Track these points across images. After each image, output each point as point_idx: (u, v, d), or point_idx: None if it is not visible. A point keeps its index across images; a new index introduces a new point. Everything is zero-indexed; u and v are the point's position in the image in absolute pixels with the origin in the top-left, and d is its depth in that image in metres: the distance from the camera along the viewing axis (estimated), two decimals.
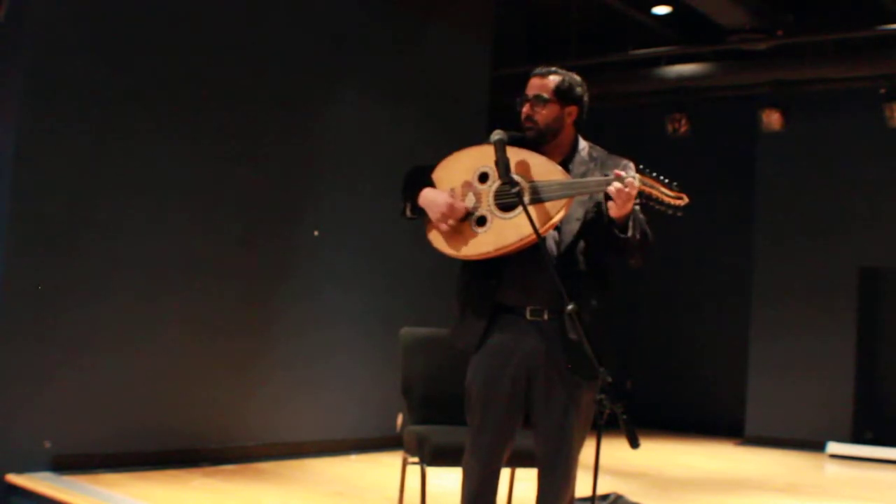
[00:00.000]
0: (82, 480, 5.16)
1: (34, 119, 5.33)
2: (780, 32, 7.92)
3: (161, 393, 5.82)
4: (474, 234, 2.98)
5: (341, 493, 5.48)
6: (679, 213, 2.92)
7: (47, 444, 5.31)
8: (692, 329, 10.15)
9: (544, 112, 3.06)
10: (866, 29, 7.71)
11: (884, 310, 9.11)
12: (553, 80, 3.08)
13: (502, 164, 2.92)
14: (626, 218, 2.88)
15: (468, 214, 2.99)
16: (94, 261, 5.53)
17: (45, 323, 5.31)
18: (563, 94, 3.07)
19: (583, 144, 3.17)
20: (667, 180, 2.92)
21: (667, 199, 2.89)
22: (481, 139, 3.20)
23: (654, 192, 2.88)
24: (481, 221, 2.98)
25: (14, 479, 5.10)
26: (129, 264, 5.68)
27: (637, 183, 2.83)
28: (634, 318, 10.50)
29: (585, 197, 3.01)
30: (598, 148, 3.18)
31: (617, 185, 2.81)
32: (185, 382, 5.97)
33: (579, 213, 3.01)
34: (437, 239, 3.04)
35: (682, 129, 9.06)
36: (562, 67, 3.18)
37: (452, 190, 3.03)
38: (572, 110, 3.10)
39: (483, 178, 3.02)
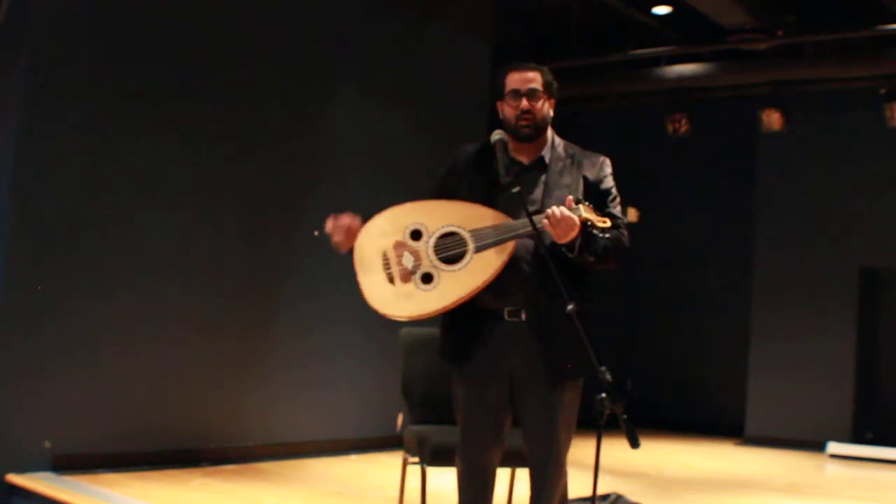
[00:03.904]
0: (82, 480, 5.16)
1: (34, 119, 5.33)
2: (780, 32, 7.91)
3: (161, 393, 5.82)
4: (423, 293, 2.93)
5: (341, 493, 5.47)
6: (607, 235, 2.88)
7: (47, 444, 5.31)
8: (692, 329, 10.16)
9: (539, 105, 3.06)
10: (866, 29, 7.70)
11: (884, 310, 9.11)
12: (538, 73, 3.08)
13: (502, 164, 2.92)
14: (573, 242, 2.86)
15: (411, 273, 2.95)
16: (94, 261, 5.53)
17: (45, 323, 5.31)
18: (549, 87, 3.09)
19: (558, 141, 3.17)
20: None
21: (599, 224, 2.87)
22: (481, 139, 3.21)
23: (591, 219, 2.86)
24: (427, 279, 2.94)
25: (14, 479, 5.10)
26: (129, 264, 5.68)
27: (570, 213, 2.80)
28: (634, 319, 10.51)
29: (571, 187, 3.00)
30: (573, 145, 3.18)
31: (557, 213, 2.79)
32: (185, 382, 5.97)
33: None
34: (385, 304, 2.97)
35: (682, 129, 9.06)
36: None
37: (385, 254, 2.98)
38: (553, 104, 3.13)
39: (416, 235, 2.98)
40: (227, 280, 6.22)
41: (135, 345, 5.69)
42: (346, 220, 3.05)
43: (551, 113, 3.12)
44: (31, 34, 5.36)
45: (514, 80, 3.07)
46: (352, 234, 3.05)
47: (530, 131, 3.06)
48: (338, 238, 3.06)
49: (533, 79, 3.06)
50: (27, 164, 5.30)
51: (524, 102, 3.04)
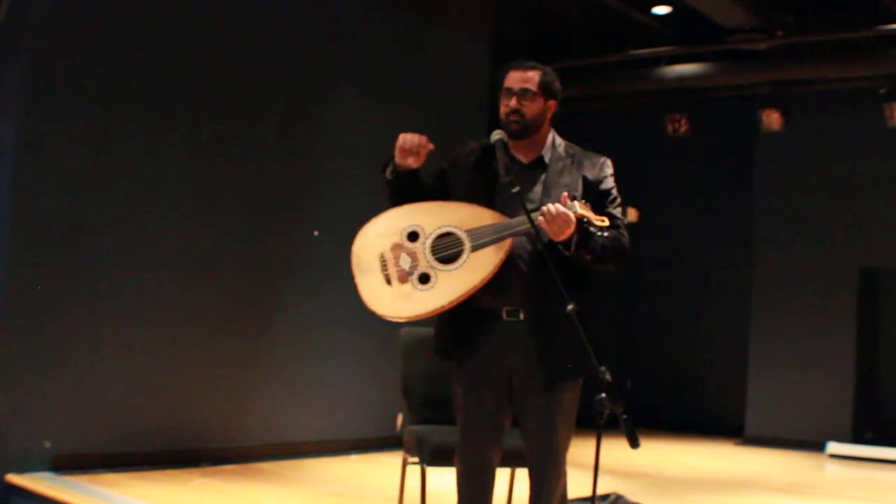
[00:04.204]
0: (82, 480, 5.16)
1: (34, 119, 5.33)
2: (780, 32, 7.92)
3: (161, 393, 5.81)
4: (421, 293, 2.93)
5: (341, 493, 5.48)
6: (605, 233, 2.90)
7: (47, 444, 5.31)
8: (692, 329, 10.16)
9: (531, 105, 3.06)
10: (866, 29, 7.71)
11: (884, 310, 9.11)
12: (537, 73, 3.08)
13: (502, 163, 2.92)
14: (569, 240, 2.87)
15: (408, 274, 2.95)
16: (95, 261, 5.53)
17: (45, 323, 5.31)
18: (546, 88, 3.08)
19: (559, 141, 3.17)
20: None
21: (597, 222, 2.88)
22: (481, 138, 3.21)
23: (587, 216, 2.87)
24: (424, 279, 2.94)
25: (14, 479, 5.10)
26: (130, 264, 5.68)
27: (565, 209, 2.81)
28: (634, 318, 10.51)
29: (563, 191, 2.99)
30: (574, 145, 3.19)
31: (552, 210, 2.80)
32: (184, 382, 5.97)
33: None
34: (382, 305, 2.96)
35: (682, 129, 9.07)
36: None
37: (382, 256, 2.98)
38: (552, 105, 3.11)
39: (413, 237, 2.99)
40: (227, 280, 6.22)
41: (135, 345, 5.68)
42: (420, 142, 3.06)
43: (547, 113, 3.11)
44: (31, 34, 5.35)
45: (511, 77, 3.09)
46: (416, 156, 3.06)
47: (517, 128, 3.06)
48: (404, 156, 3.07)
49: (528, 79, 3.06)
50: (27, 164, 5.29)
51: (513, 101, 3.05)
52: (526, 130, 3.07)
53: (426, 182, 3.17)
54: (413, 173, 3.10)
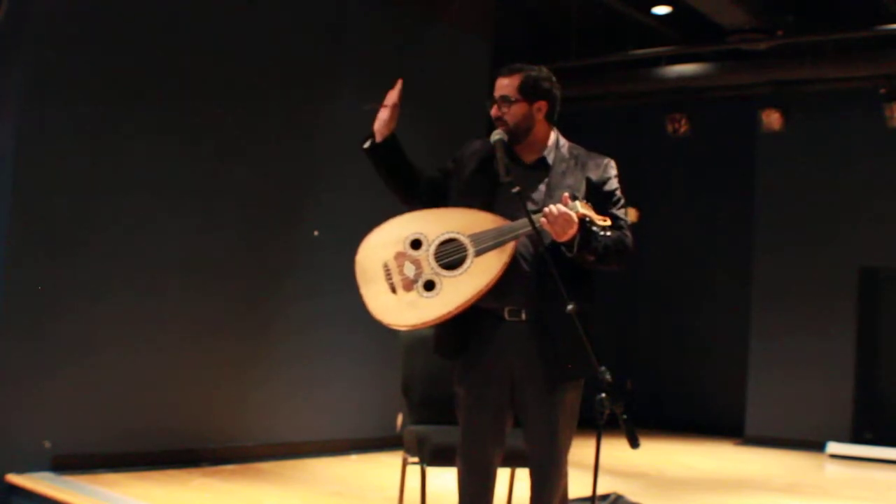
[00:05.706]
0: (82, 480, 5.16)
1: (34, 119, 5.33)
2: (780, 32, 7.91)
3: (161, 393, 5.82)
4: (426, 300, 2.93)
5: (341, 493, 5.48)
6: (608, 233, 2.91)
7: (47, 444, 5.31)
8: (692, 329, 10.16)
9: (511, 111, 3.05)
10: (866, 29, 7.71)
11: (884, 310, 9.11)
12: (517, 78, 3.06)
13: (502, 163, 2.92)
14: (571, 241, 2.87)
15: (413, 282, 2.95)
16: (94, 261, 5.53)
17: (45, 323, 5.31)
18: (528, 91, 3.06)
19: (562, 142, 3.16)
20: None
21: (599, 221, 2.89)
22: (480, 139, 3.21)
23: (589, 216, 2.88)
24: (430, 286, 2.93)
25: (14, 479, 5.11)
26: (129, 264, 5.68)
27: (566, 209, 2.81)
28: (634, 318, 10.51)
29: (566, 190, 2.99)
30: (578, 147, 3.18)
31: (554, 211, 2.81)
32: (185, 382, 5.97)
33: None
34: (388, 314, 2.96)
35: (682, 129, 9.06)
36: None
37: (386, 265, 2.98)
38: (541, 105, 3.09)
39: (416, 244, 2.99)
40: (227, 280, 6.22)
41: (135, 345, 5.69)
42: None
43: (536, 115, 3.08)
44: (31, 34, 5.35)
45: (496, 85, 3.10)
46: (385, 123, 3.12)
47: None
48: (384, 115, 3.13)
49: (505, 85, 3.06)
50: (27, 164, 5.30)
51: (494, 110, 3.07)
52: (515, 136, 3.07)
53: (432, 176, 3.18)
54: (391, 140, 3.12)
